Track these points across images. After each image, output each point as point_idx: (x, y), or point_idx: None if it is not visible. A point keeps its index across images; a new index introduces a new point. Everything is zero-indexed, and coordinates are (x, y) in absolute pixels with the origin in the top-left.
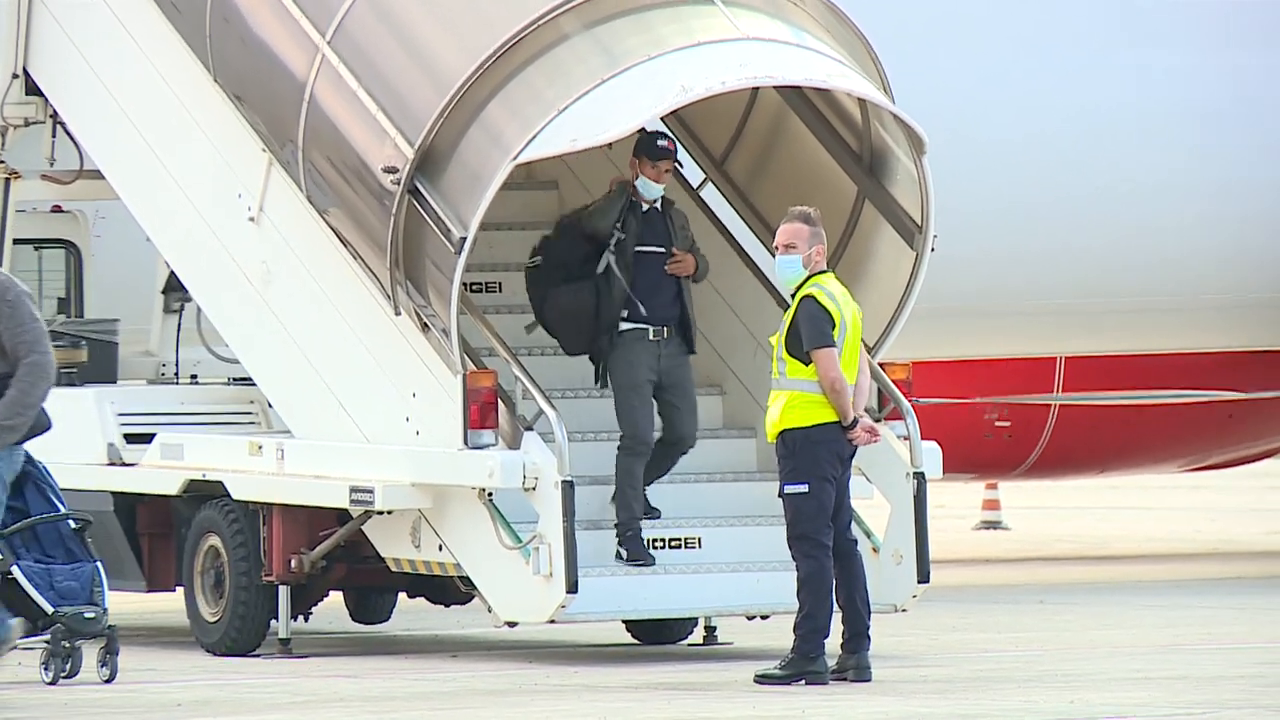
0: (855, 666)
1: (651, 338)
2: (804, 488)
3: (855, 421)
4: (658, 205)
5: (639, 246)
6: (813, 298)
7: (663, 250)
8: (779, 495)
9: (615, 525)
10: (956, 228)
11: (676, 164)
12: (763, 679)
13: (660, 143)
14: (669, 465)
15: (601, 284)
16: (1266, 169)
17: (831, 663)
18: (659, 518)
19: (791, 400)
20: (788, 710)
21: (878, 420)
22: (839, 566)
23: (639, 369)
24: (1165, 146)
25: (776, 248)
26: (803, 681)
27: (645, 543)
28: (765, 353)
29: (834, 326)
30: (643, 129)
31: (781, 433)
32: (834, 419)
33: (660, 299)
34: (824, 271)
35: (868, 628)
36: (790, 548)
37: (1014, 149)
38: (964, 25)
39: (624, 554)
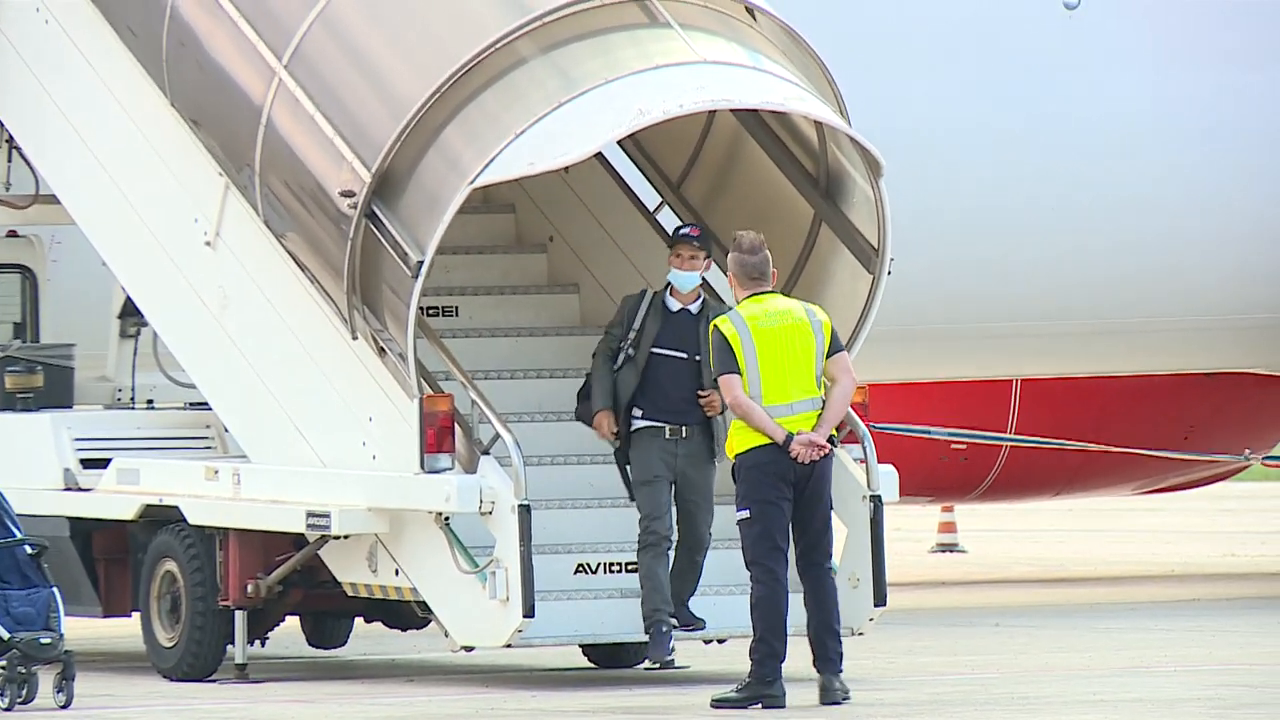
0: (822, 688)
1: (668, 436)
2: (746, 513)
3: (789, 438)
4: (690, 309)
5: (656, 348)
6: (716, 327)
7: (684, 356)
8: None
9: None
10: (912, 248)
11: (703, 249)
12: (719, 703)
13: (681, 229)
14: (694, 575)
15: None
16: (1231, 189)
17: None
18: (704, 628)
19: (734, 427)
20: None
21: (833, 444)
22: (805, 589)
23: (652, 464)
24: (1126, 165)
25: None
26: (759, 705)
27: (669, 636)
28: None
29: (733, 353)
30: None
31: (735, 459)
32: (767, 441)
33: (677, 401)
34: (760, 293)
35: (831, 651)
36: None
37: (976, 165)
38: (927, 40)
39: (648, 640)
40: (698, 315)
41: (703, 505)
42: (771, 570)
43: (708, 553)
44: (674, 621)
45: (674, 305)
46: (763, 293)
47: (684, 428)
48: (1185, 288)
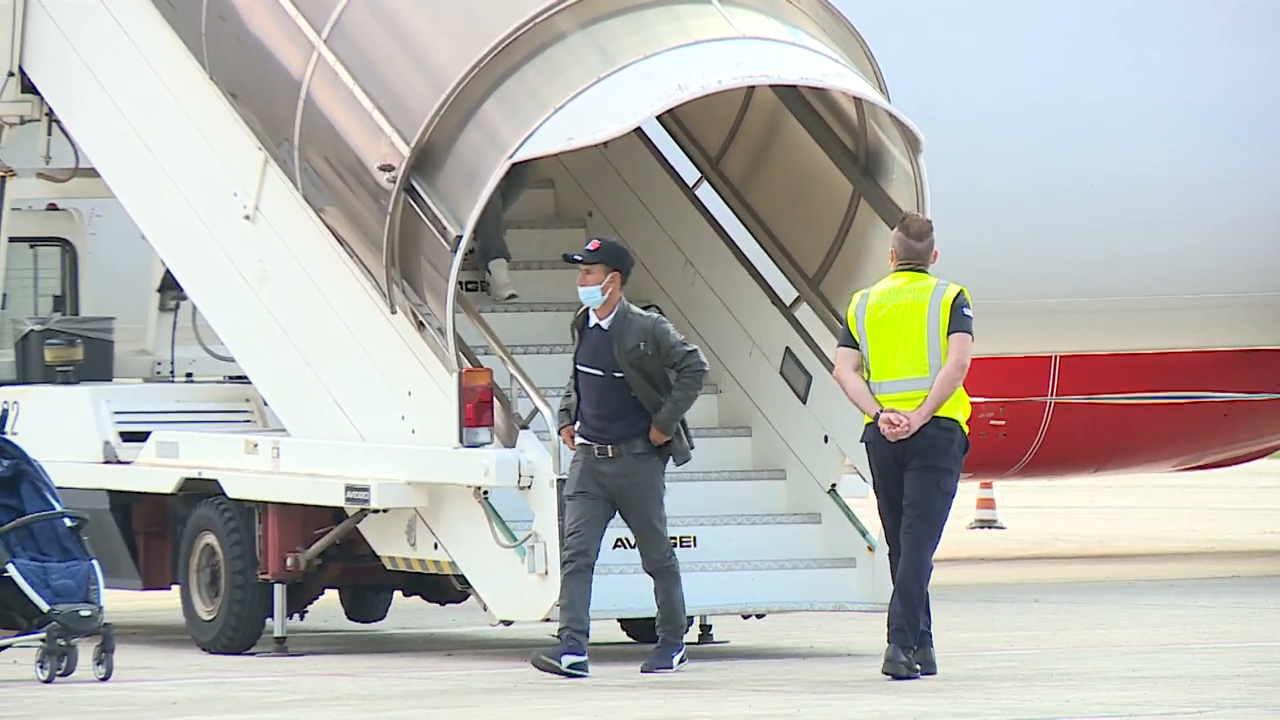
0: (885, 658)
1: (596, 455)
2: (870, 485)
3: (878, 415)
4: (602, 325)
5: (578, 364)
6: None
7: (600, 373)
8: None
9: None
10: (951, 224)
11: (600, 262)
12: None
13: (588, 246)
14: (670, 604)
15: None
16: (1272, 165)
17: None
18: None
19: None
20: (783, 708)
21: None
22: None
23: (577, 479)
24: (1166, 141)
25: None
26: (889, 677)
27: (569, 652)
28: (761, 353)
29: (848, 328)
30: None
31: None
32: (869, 420)
33: (593, 419)
34: (897, 271)
35: (902, 621)
36: None
37: (1014, 142)
38: (965, 16)
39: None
40: (608, 330)
41: (639, 530)
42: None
43: (677, 575)
44: (582, 641)
45: (593, 320)
46: (906, 269)
47: (608, 446)
48: (1225, 264)
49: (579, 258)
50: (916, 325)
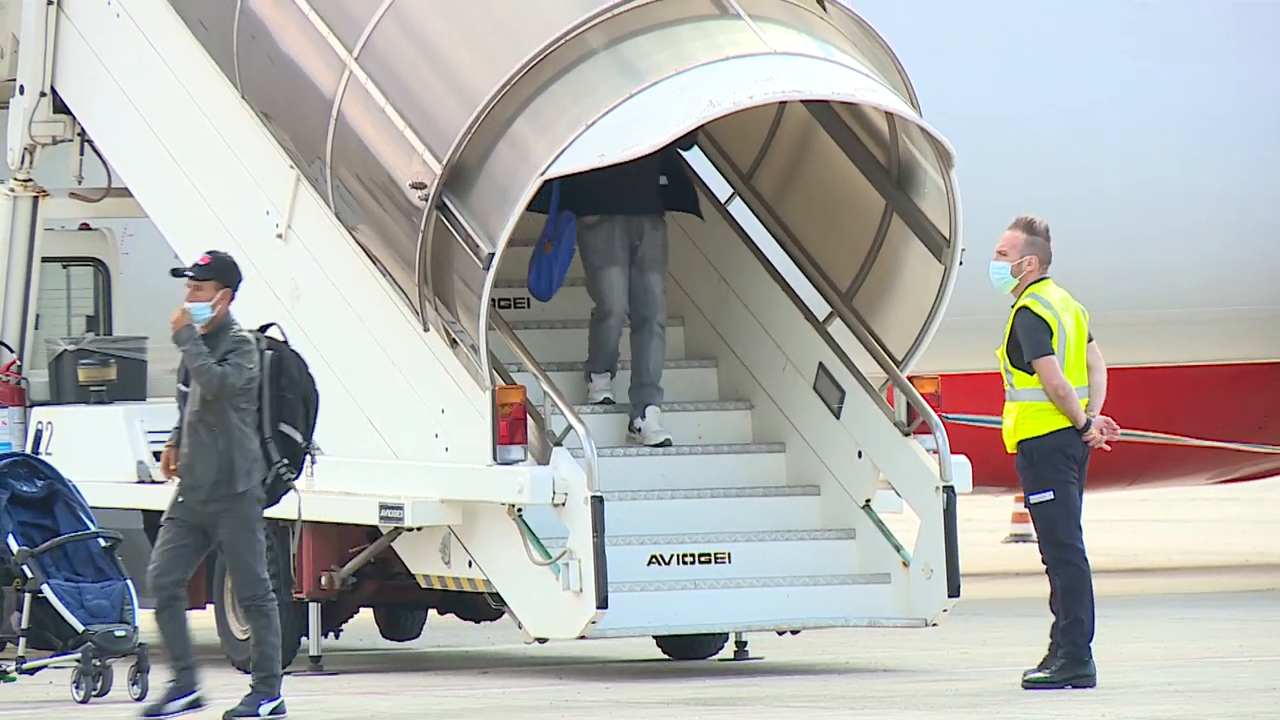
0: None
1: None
2: (1049, 495)
3: (1088, 423)
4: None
5: (178, 383)
6: (1027, 308)
7: (188, 392)
8: (1025, 506)
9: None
10: (982, 236)
11: (212, 279)
12: (1031, 684)
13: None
14: (253, 639)
15: None
16: None
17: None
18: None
19: (1024, 410)
20: None
21: (906, 435)
22: None
23: (171, 502)
24: (1193, 153)
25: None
26: (1069, 686)
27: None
28: (794, 368)
29: (1051, 334)
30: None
31: (1019, 443)
32: (1067, 424)
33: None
34: (1042, 279)
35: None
36: (1043, 556)
37: (1041, 153)
38: (994, 27)
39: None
40: (209, 337)
41: (235, 565)
42: (1082, 551)
43: (269, 618)
44: (191, 676)
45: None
46: (1041, 280)
47: (189, 470)
48: (1256, 276)
49: (191, 274)
50: (1082, 334)
